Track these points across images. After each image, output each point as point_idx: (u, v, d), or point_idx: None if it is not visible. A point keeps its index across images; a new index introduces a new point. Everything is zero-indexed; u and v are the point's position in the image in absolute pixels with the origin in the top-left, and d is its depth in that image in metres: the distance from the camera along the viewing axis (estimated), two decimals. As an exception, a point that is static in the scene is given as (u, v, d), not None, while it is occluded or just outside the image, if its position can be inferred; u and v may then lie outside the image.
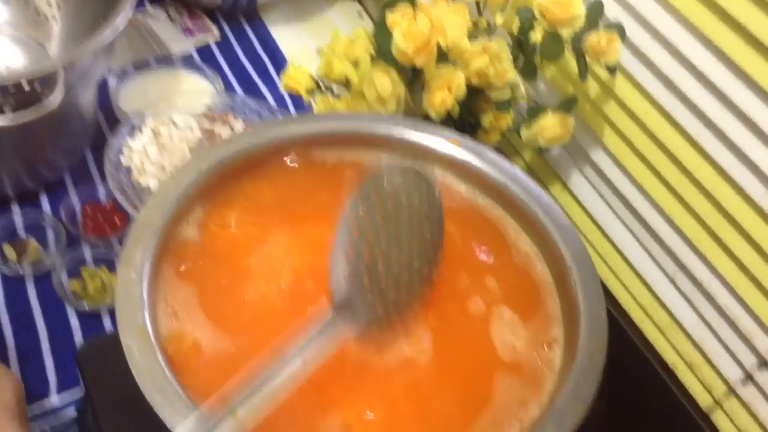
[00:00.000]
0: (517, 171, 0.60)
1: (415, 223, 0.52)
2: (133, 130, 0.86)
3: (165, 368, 0.45)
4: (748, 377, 0.67)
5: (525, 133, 0.75)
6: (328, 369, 0.50)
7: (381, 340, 0.51)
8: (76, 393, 0.74)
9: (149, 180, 0.82)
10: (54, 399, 0.74)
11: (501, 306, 0.55)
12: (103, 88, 0.93)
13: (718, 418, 0.71)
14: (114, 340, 0.48)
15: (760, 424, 0.67)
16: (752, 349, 0.67)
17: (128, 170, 0.83)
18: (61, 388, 0.74)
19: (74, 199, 0.87)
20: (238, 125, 0.89)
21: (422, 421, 0.49)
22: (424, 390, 0.50)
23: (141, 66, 0.99)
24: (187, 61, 1.01)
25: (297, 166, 0.61)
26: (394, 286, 0.51)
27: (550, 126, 0.73)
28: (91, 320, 0.80)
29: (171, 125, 0.87)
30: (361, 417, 0.48)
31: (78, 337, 0.79)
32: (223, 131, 0.88)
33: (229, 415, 0.42)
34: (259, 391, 0.44)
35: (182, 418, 0.43)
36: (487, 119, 0.75)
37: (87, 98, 0.84)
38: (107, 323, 0.80)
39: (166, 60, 1.01)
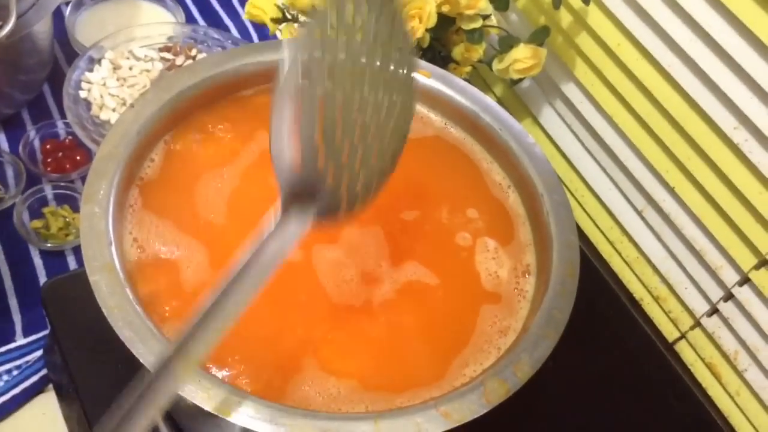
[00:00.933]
0: (488, 100, 0.59)
1: (383, 65, 0.42)
2: (92, 62, 0.83)
3: (134, 303, 0.44)
4: (714, 310, 0.69)
5: (497, 65, 0.74)
6: (312, 303, 0.49)
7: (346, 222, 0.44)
8: (43, 333, 0.73)
9: (110, 114, 0.80)
10: (20, 339, 0.73)
11: (484, 237, 0.54)
12: (58, 20, 0.89)
13: (682, 349, 0.73)
14: (79, 277, 0.47)
15: (723, 354, 0.68)
16: (718, 282, 0.68)
17: (88, 104, 0.80)
18: (27, 327, 0.73)
19: (33, 135, 0.84)
20: (201, 57, 0.86)
21: (410, 355, 0.49)
22: (412, 324, 0.50)
23: (98, -4, 0.95)
24: (146, -9, 0.98)
25: (263, 94, 0.59)
26: (359, 158, 0.42)
27: (522, 57, 0.72)
28: (54, 259, 0.78)
29: (131, 57, 0.84)
30: (350, 351, 0.48)
31: (42, 277, 0.77)
32: (186, 64, 0.85)
33: (182, 346, 0.38)
34: (215, 313, 0.39)
35: (155, 352, 0.42)
36: (458, 51, 0.74)
37: (42, 29, 0.81)
38: (71, 262, 0.78)
39: (123, -10, 0.97)
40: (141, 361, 0.42)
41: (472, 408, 0.43)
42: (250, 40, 1.01)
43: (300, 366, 0.47)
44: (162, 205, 0.52)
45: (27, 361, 0.71)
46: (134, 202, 0.52)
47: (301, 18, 0.74)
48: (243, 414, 0.41)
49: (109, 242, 0.47)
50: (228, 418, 0.41)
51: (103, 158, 0.51)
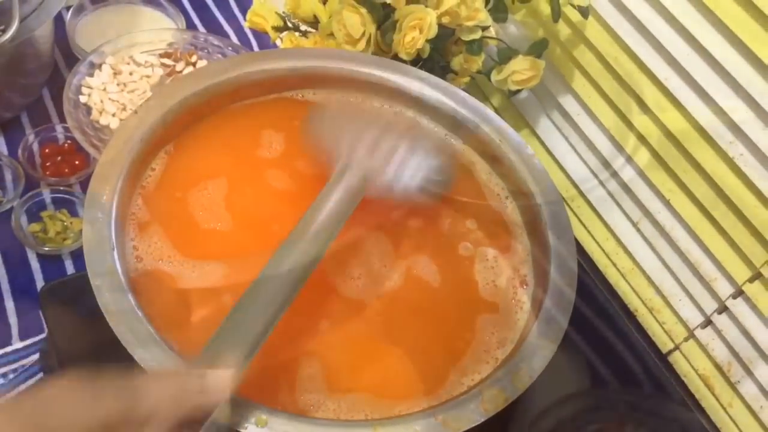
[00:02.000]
0: (488, 111, 0.60)
1: None
2: (92, 67, 0.83)
3: (135, 308, 0.45)
4: (708, 322, 0.69)
5: (495, 76, 0.75)
6: (314, 310, 0.49)
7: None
8: (39, 336, 0.73)
9: (109, 119, 0.80)
10: (16, 343, 0.72)
11: (483, 247, 0.55)
12: (59, 24, 0.89)
13: (676, 360, 0.73)
14: (77, 282, 0.47)
15: (717, 365, 0.69)
16: (713, 294, 0.68)
17: (88, 109, 0.80)
18: (24, 331, 0.73)
19: (32, 139, 0.84)
20: (201, 64, 0.87)
21: (409, 363, 0.49)
22: (412, 332, 0.51)
23: (98, 1, 0.95)
24: (147, -3, 0.98)
25: (265, 103, 0.59)
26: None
27: (520, 69, 0.72)
28: (52, 263, 0.78)
29: (132, 63, 0.84)
30: (351, 357, 0.48)
31: (39, 281, 0.77)
32: (186, 70, 0.85)
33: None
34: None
35: (156, 358, 0.42)
36: (457, 62, 0.75)
37: (43, 33, 0.81)
38: (69, 266, 0.78)
39: (124, -5, 0.97)
40: (142, 365, 0.42)
41: (470, 417, 0.43)
42: (250, 47, 1.02)
43: (299, 372, 0.47)
44: (164, 212, 0.52)
45: (23, 365, 0.71)
46: (136, 209, 0.52)
47: (302, 27, 0.74)
48: (241, 420, 0.41)
49: (111, 247, 0.47)
50: (227, 424, 0.41)
51: (107, 164, 0.51)
